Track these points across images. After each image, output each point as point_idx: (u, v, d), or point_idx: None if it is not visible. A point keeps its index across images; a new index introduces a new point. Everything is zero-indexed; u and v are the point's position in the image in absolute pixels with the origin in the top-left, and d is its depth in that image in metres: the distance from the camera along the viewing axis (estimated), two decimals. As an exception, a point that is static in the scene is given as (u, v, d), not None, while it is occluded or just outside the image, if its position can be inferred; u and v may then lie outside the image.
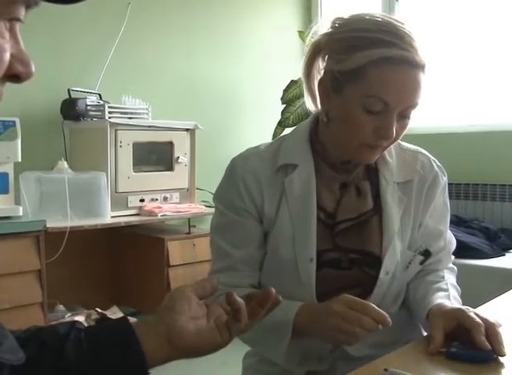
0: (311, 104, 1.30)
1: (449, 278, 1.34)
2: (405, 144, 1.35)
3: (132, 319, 0.86)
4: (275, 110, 3.93)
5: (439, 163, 1.36)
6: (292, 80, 3.87)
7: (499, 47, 3.78)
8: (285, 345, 1.15)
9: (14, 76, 0.57)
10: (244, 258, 1.27)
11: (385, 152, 1.28)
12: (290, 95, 3.86)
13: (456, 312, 1.12)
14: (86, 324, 0.85)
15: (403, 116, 1.17)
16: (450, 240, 1.38)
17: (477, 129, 3.81)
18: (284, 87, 3.88)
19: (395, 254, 1.25)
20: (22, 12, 0.56)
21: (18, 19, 0.56)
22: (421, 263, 1.30)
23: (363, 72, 1.13)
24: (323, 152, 1.28)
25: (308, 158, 1.27)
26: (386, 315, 1.04)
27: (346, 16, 1.20)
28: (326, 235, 1.25)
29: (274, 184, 1.26)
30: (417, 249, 1.28)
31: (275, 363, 1.28)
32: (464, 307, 1.14)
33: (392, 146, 1.28)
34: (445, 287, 1.27)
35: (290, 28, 4.38)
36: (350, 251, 1.25)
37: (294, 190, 1.25)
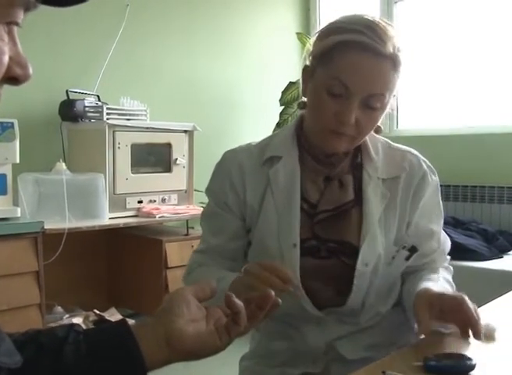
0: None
1: (444, 273, 1.34)
2: (395, 145, 1.37)
3: (130, 321, 0.86)
4: (273, 112, 3.93)
5: (429, 164, 1.36)
6: (290, 82, 3.87)
7: (497, 49, 3.79)
8: None
9: (12, 78, 0.57)
10: (217, 245, 1.34)
11: (371, 149, 1.32)
12: (289, 97, 3.87)
13: (442, 297, 1.13)
14: (84, 325, 0.85)
15: (369, 106, 1.19)
16: (444, 240, 1.38)
17: (475, 131, 3.81)
18: (282, 89, 3.88)
19: (374, 245, 1.25)
20: (20, 15, 0.56)
21: (16, 23, 0.56)
22: (407, 259, 1.30)
23: (329, 55, 1.19)
24: (307, 145, 1.31)
25: (293, 151, 1.31)
26: (291, 276, 1.10)
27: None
28: (307, 225, 1.27)
29: (259, 176, 1.31)
30: (401, 244, 1.29)
31: (272, 365, 1.29)
32: (448, 292, 1.16)
33: (379, 144, 1.34)
34: (435, 277, 1.28)
35: (289, 30, 4.39)
36: (327, 241, 1.27)
37: (279, 181, 1.29)
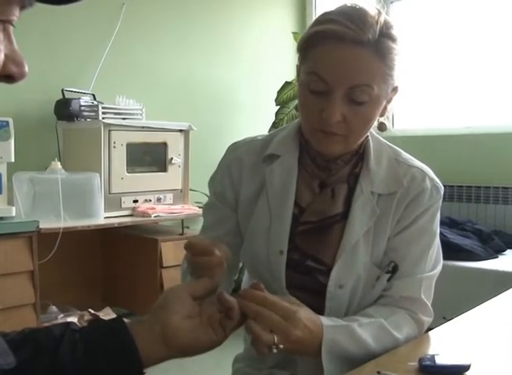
0: None
1: (393, 317, 1.14)
2: (407, 158, 1.25)
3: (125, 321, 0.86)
4: (269, 111, 3.93)
5: (437, 182, 1.23)
6: (286, 82, 3.87)
7: (496, 48, 3.79)
8: None
9: (8, 76, 0.57)
10: (216, 238, 1.24)
11: (372, 160, 1.22)
12: (284, 97, 3.87)
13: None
14: (79, 325, 0.85)
15: (354, 101, 1.09)
16: (426, 281, 1.20)
17: (471, 131, 3.82)
18: (278, 89, 3.88)
19: (352, 266, 1.17)
20: (16, 13, 0.56)
21: (12, 21, 0.56)
22: (388, 280, 1.19)
23: (306, 49, 1.12)
24: (306, 146, 1.24)
25: (293, 151, 1.25)
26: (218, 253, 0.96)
27: None
28: (292, 233, 1.21)
29: (257, 172, 1.26)
30: (385, 267, 1.18)
31: (261, 367, 1.28)
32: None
33: (385, 155, 1.24)
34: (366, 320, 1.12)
35: (285, 29, 4.38)
36: (305, 255, 1.21)
37: (274, 181, 1.23)
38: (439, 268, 1.24)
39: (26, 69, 0.58)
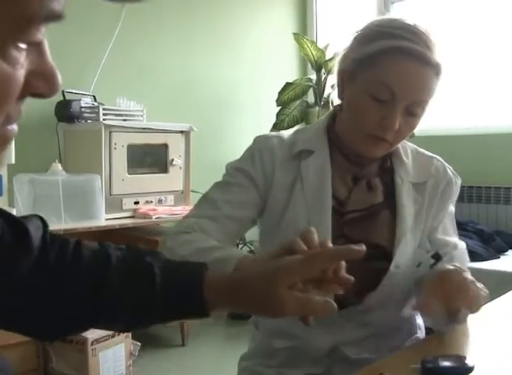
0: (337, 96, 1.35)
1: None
2: (422, 150, 1.39)
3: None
4: (270, 112, 3.92)
5: (453, 170, 1.38)
6: (287, 83, 3.87)
7: (501, 47, 3.78)
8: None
9: (36, 94, 0.51)
10: (230, 216, 1.25)
11: (402, 153, 1.32)
12: (285, 97, 3.86)
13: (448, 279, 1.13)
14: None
15: (410, 113, 1.20)
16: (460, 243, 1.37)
17: (472, 131, 3.81)
18: (279, 90, 3.88)
19: (406, 249, 1.26)
20: (41, 31, 0.48)
21: (37, 41, 0.48)
22: (431, 266, 1.25)
23: (375, 59, 1.18)
24: (338, 142, 1.30)
25: (324, 147, 1.31)
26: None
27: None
28: (335, 223, 1.26)
29: (289, 168, 1.29)
30: (428, 251, 1.28)
31: (271, 365, 1.28)
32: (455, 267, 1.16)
33: (408, 148, 1.35)
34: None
35: (286, 30, 4.38)
36: (356, 242, 1.22)
37: (309, 175, 1.28)
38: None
39: (58, 83, 0.50)
